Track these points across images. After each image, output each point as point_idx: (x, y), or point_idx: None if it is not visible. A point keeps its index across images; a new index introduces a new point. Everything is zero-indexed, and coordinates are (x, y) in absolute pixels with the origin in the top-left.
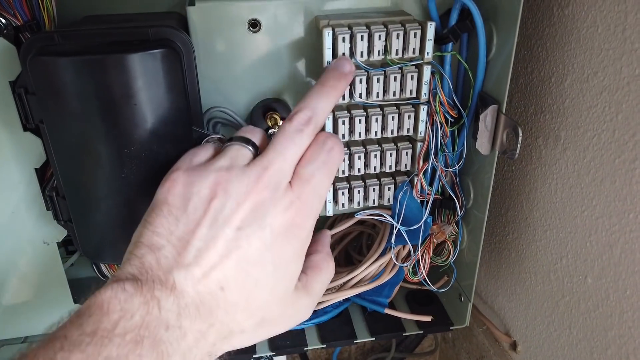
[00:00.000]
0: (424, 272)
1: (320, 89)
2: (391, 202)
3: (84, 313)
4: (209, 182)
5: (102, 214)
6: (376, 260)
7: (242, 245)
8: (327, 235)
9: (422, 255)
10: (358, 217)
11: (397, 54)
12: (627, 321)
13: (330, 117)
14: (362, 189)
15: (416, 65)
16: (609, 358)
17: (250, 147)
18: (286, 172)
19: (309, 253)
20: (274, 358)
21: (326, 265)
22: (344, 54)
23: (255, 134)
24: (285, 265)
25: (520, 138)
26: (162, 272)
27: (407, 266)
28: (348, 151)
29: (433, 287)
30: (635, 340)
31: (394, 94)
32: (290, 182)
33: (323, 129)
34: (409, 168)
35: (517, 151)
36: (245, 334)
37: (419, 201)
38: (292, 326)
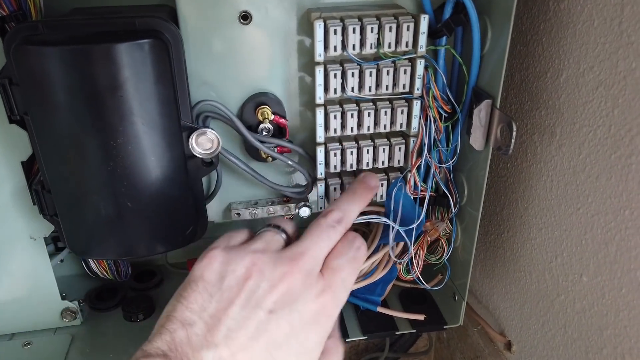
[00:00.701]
0: (417, 270)
1: (352, 195)
2: (384, 198)
3: None
4: (245, 262)
5: (88, 208)
6: (369, 257)
7: (271, 328)
8: (335, 329)
9: (415, 253)
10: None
11: (390, 47)
12: (623, 320)
13: (322, 111)
14: None
15: (409, 59)
16: (605, 357)
17: (283, 235)
18: (319, 261)
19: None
20: None
21: (336, 350)
22: (335, 46)
23: (287, 224)
24: (309, 353)
25: (514, 133)
26: (191, 350)
27: (400, 263)
28: (340, 146)
29: (427, 286)
30: (631, 339)
31: (387, 88)
32: (321, 271)
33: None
34: (402, 164)
35: (511, 147)
36: None
37: (412, 198)
38: None
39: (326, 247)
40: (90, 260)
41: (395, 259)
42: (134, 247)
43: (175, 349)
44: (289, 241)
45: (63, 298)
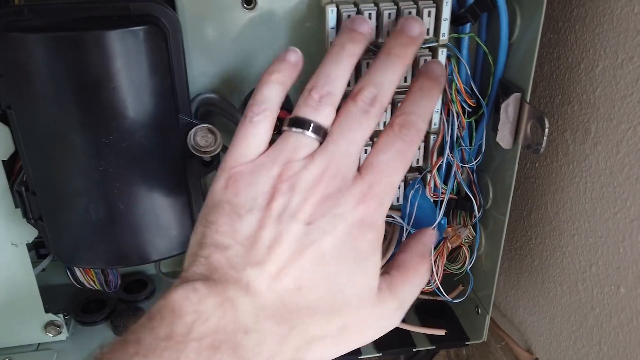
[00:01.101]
0: (437, 280)
1: (386, 59)
2: (401, 201)
3: (154, 316)
4: (272, 179)
5: (76, 212)
6: (383, 265)
7: (314, 240)
8: (426, 233)
9: (435, 262)
10: None
11: None
12: None
13: None
14: None
15: (430, 48)
16: None
17: (311, 134)
18: (354, 159)
19: (397, 251)
20: None
21: (415, 265)
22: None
23: (321, 113)
24: (364, 259)
25: (546, 130)
26: (234, 271)
27: None
28: None
29: (447, 297)
30: None
31: (406, 80)
32: (359, 169)
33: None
34: (421, 164)
35: (543, 144)
36: (328, 340)
37: (432, 201)
38: (379, 334)
39: (362, 139)
40: (77, 269)
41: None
42: (126, 255)
43: (215, 271)
44: (323, 134)
45: (46, 311)
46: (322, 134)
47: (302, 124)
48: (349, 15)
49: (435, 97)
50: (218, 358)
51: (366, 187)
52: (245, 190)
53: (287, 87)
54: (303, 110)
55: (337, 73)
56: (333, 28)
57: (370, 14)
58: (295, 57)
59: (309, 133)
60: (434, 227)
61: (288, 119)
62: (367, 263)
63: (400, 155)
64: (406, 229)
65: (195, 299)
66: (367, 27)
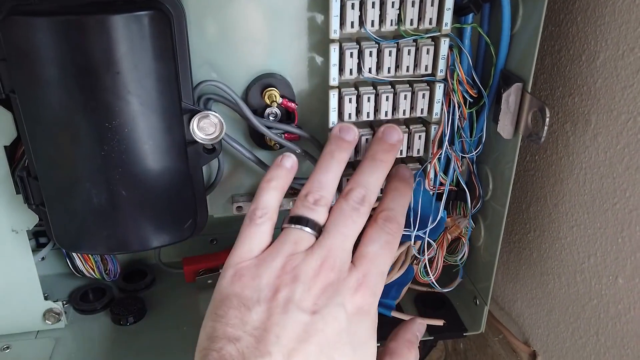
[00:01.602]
0: (438, 269)
1: (371, 163)
2: None
3: None
4: (276, 271)
5: (78, 197)
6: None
7: (319, 328)
8: (415, 323)
9: (435, 253)
10: None
11: (411, 24)
12: None
13: (336, 94)
14: None
15: (432, 38)
16: None
17: (309, 230)
18: (349, 252)
19: (389, 340)
20: None
21: (405, 353)
22: (352, 22)
23: (317, 212)
24: (363, 345)
25: (547, 119)
26: None
27: (417, 263)
28: None
29: (446, 288)
30: None
31: (407, 70)
32: (352, 261)
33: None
34: (421, 154)
35: (544, 134)
36: None
37: (431, 194)
38: None
39: (354, 233)
40: (76, 258)
41: (419, 255)
42: (128, 241)
43: None
44: (319, 230)
45: (46, 298)
46: (318, 229)
47: (300, 221)
48: (352, 5)
49: (408, 196)
50: None
51: (361, 276)
52: (251, 283)
53: (285, 190)
54: (301, 210)
55: (328, 179)
56: (337, 16)
57: (374, 3)
58: (290, 162)
59: (307, 229)
60: (435, 221)
61: (288, 217)
62: (364, 350)
63: (387, 245)
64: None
65: None
66: (352, 135)
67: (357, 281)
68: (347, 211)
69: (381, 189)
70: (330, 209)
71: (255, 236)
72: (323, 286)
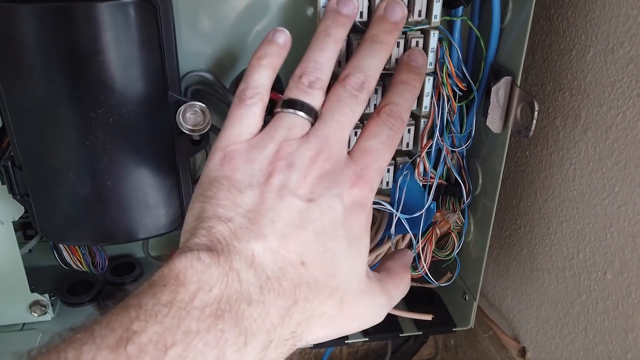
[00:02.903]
0: (425, 266)
1: (371, 45)
2: (390, 185)
3: (157, 282)
4: (269, 157)
5: (63, 187)
6: (372, 250)
7: (316, 216)
8: (407, 253)
9: (423, 248)
10: None
11: None
12: None
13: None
14: None
15: (422, 31)
16: None
17: (304, 115)
18: (345, 142)
19: (383, 260)
20: None
21: (402, 273)
22: None
23: (312, 96)
24: (358, 240)
25: (536, 113)
26: (238, 242)
27: None
28: None
29: (435, 282)
30: None
31: (396, 62)
32: (350, 153)
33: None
34: (410, 147)
35: (533, 128)
36: (326, 319)
37: (421, 185)
38: (366, 325)
39: (351, 122)
40: (64, 250)
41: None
42: (113, 232)
43: (218, 243)
44: (314, 115)
45: (32, 291)
46: (314, 115)
47: (294, 105)
48: None
49: (417, 89)
50: (220, 327)
51: (358, 170)
52: (243, 167)
53: (277, 69)
54: (295, 93)
55: (324, 58)
56: (325, 7)
57: None
58: (283, 38)
59: (302, 114)
60: (423, 212)
61: (282, 100)
62: (359, 245)
63: (388, 141)
64: (395, 215)
65: (199, 268)
66: (351, 8)
67: (355, 174)
68: (344, 98)
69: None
70: (327, 94)
71: (245, 118)
72: (319, 175)
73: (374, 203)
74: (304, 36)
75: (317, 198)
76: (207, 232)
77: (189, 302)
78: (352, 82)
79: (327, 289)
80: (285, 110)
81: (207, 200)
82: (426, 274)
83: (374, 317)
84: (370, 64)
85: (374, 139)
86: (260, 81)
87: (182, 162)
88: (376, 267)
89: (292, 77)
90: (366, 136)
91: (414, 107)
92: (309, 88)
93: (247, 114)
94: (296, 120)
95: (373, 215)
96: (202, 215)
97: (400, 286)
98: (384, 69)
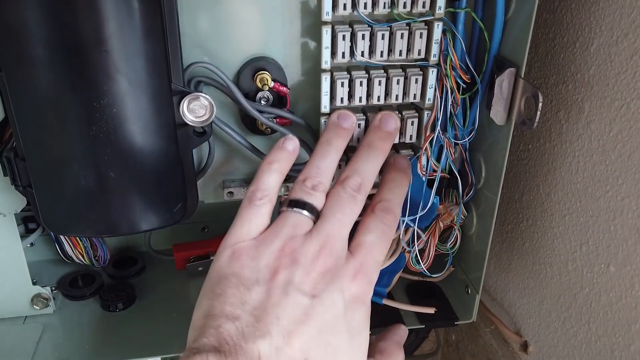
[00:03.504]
0: (430, 257)
1: (367, 151)
2: None
3: None
4: (275, 253)
5: (66, 178)
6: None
7: (319, 312)
8: (400, 329)
9: (427, 242)
10: None
11: (405, 7)
12: None
13: (328, 78)
14: None
15: (426, 22)
16: (632, 355)
17: (308, 214)
18: (345, 239)
19: (377, 340)
20: None
21: (394, 352)
22: (345, 4)
23: (315, 197)
24: (358, 334)
25: (540, 104)
26: (245, 342)
27: (409, 251)
28: None
29: (438, 275)
30: None
31: (400, 54)
32: (349, 249)
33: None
34: (414, 140)
35: (537, 119)
36: None
37: (423, 178)
38: None
39: (350, 221)
40: (65, 243)
41: (406, 246)
42: (116, 224)
43: (226, 343)
44: (317, 214)
45: (34, 284)
46: (316, 214)
47: (299, 205)
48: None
49: (405, 187)
50: None
51: (358, 264)
52: (250, 264)
53: (285, 173)
54: (299, 194)
55: (325, 165)
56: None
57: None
58: (292, 145)
59: (306, 213)
60: (427, 206)
61: (287, 200)
62: (359, 339)
63: (384, 236)
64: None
65: None
66: (350, 122)
67: (354, 269)
68: (344, 198)
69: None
70: (327, 195)
71: (254, 217)
72: (322, 271)
73: None
74: (307, 29)
75: (320, 294)
76: (215, 332)
77: None
78: (351, 184)
79: None
80: (290, 210)
81: (215, 298)
82: (425, 271)
83: None
84: (367, 168)
85: (370, 233)
86: (269, 184)
87: (185, 154)
88: (370, 345)
89: (296, 181)
90: (363, 231)
91: (418, 99)
92: (312, 190)
93: (256, 214)
94: (300, 219)
95: None
96: (211, 313)
97: None
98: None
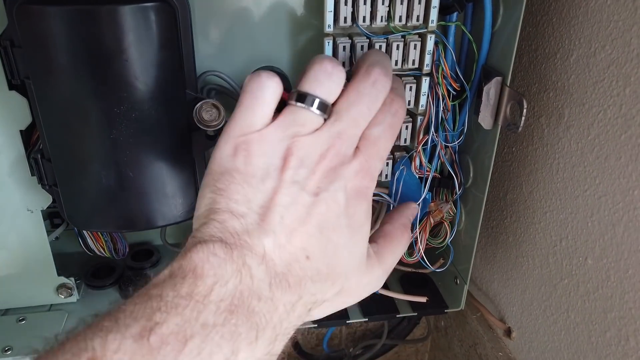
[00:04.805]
0: (421, 250)
1: (378, 52)
2: (389, 178)
3: (176, 274)
4: (281, 152)
5: (89, 178)
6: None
7: (321, 210)
8: (409, 207)
9: (418, 236)
10: None
11: (400, 20)
12: (628, 302)
13: None
14: None
15: (419, 35)
16: (608, 341)
17: (318, 112)
18: (357, 137)
19: (383, 222)
20: None
21: (399, 236)
22: (345, 18)
23: (330, 87)
24: (359, 228)
25: (525, 110)
26: (250, 238)
27: None
28: None
29: (430, 268)
30: (636, 321)
31: (396, 64)
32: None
33: None
34: (408, 143)
35: (521, 124)
36: (326, 304)
37: (417, 177)
38: (365, 296)
39: (365, 119)
40: (88, 237)
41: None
42: (134, 220)
43: (231, 236)
44: (329, 112)
45: (59, 275)
46: (328, 111)
47: (308, 100)
48: (345, 2)
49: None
50: (233, 322)
51: (364, 161)
52: (255, 161)
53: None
54: (312, 84)
55: (337, 58)
56: (331, 12)
57: (365, 0)
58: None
59: (315, 109)
60: (419, 203)
61: (295, 92)
62: (360, 232)
63: (391, 128)
64: (392, 206)
65: (215, 262)
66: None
67: (359, 165)
68: (363, 92)
69: None
70: (344, 89)
71: (258, 106)
72: (327, 170)
73: (374, 195)
74: (310, 40)
75: (323, 192)
76: (220, 225)
77: (206, 295)
78: (374, 74)
79: (329, 279)
80: (299, 105)
81: (219, 192)
82: (422, 259)
83: (372, 289)
84: (385, 63)
85: (377, 126)
86: (271, 73)
87: (198, 156)
88: (376, 230)
89: (310, 63)
90: (372, 124)
91: (412, 105)
92: (329, 77)
93: (260, 103)
94: (309, 117)
95: (372, 206)
96: (215, 207)
97: (397, 251)
98: None
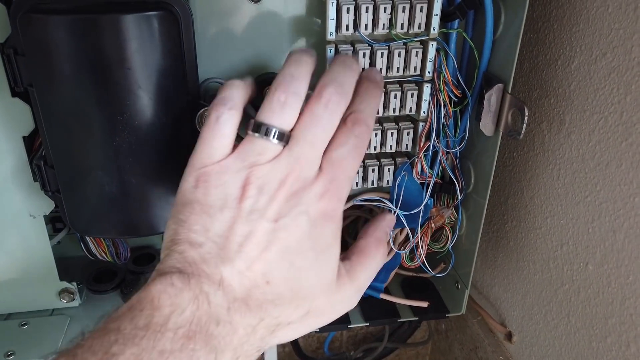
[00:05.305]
0: (422, 255)
1: (342, 65)
2: (390, 183)
3: (134, 307)
4: (240, 181)
5: (91, 184)
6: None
7: (281, 236)
8: (385, 219)
9: (420, 240)
10: (356, 202)
11: (402, 28)
12: (629, 308)
13: None
14: (360, 170)
15: (421, 42)
16: (609, 346)
17: (275, 141)
18: (317, 160)
19: (358, 236)
20: None
21: (373, 251)
22: (347, 26)
23: (285, 117)
24: (326, 250)
25: (526, 117)
26: (207, 267)
27: (404, 252)
28: None
29: (431, 272)
30: (636, 327)
31: (398, 71)
32: (320, 165)
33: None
34: (409, 149)
35: (523, 131)
36: (292, 326)
37: (419, 183)
38: (338, 316)
39: (323, 140)
40: (90, 242)
41: (395, 249)
42: (136, 226)
43: (189, 266)
44: (287, 139)
45: (61, 279)
46: (286, 139)
47: (264, 129)
48: (347, 9)
49: (378, 98)
50: (191, 347)
51: (327, 182)
52: (214, 191)
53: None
54: (268, 115)
55: (299, 73)
56: (333, 19)
57: (367, 8)
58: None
59: (272, 139)
60: (421, 208)
61: (252, 123)
62: (328, 254)
63: (355, 150)
64: (394, 212)
65: (172, 292)
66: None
67: (323, 187)
68: (317, 115)
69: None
70: (301, 112)
71: (218, 137)
72: (287, 195)
73: (376, 200)
74: (312, 47)
75: (283, 218)
76: (180, 256)
77: (163, 324)
78: (327, 94)
79: (293, 303)
80: (256, 135)
81: (180, 224)
82: (423, 263)
83: (345, 307)
84: (344, 79)
85: (341, 147)
86: (232, 95)
87: None
88: (350, 246)
89: (267, 93)
90: (334, 145)
91: (413, 112)
92: (283, 107)
93: (218, 136)
94: (267, 146)
95: (373, 211)
96: (176, 238)
97: (371, 267)
98: None
